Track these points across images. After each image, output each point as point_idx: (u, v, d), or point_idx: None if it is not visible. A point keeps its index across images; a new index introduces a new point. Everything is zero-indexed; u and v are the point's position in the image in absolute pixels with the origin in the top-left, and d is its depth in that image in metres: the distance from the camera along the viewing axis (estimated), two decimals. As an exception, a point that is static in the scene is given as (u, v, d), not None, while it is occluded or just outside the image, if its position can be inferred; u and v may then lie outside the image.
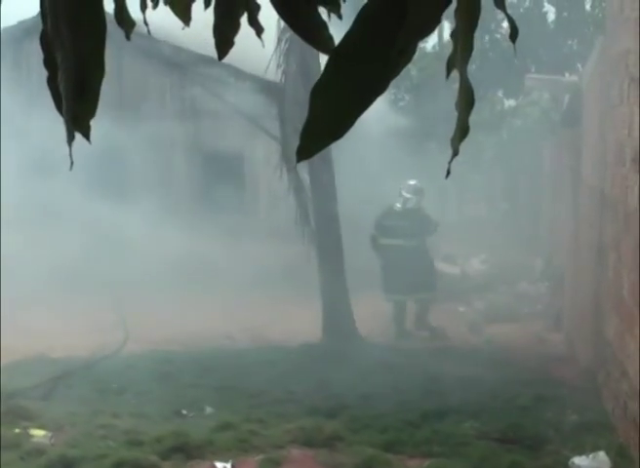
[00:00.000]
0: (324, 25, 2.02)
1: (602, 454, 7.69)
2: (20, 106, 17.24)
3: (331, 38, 2.00)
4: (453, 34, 1.79)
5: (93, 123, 1.95)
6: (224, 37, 2.20)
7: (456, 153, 1.83)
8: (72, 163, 1.97)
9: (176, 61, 17.73)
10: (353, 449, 8.47)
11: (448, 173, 1.90)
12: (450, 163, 1.85)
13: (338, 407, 10.07)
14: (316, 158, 11.70)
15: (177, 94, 18.46)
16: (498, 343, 13.61)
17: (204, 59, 16.55)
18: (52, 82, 1.90)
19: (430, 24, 1.67)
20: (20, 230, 17.29)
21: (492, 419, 9.29)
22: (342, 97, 1.67)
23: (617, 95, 8.73)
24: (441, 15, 1.68)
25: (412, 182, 14.94)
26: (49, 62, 1.89)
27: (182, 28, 2.40)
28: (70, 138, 1.88)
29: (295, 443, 8.64)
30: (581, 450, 7.94)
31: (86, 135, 1.91)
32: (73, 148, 1.99)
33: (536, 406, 9.73)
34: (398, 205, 14.73)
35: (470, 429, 9.05)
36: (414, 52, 1.70)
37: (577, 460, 7.72)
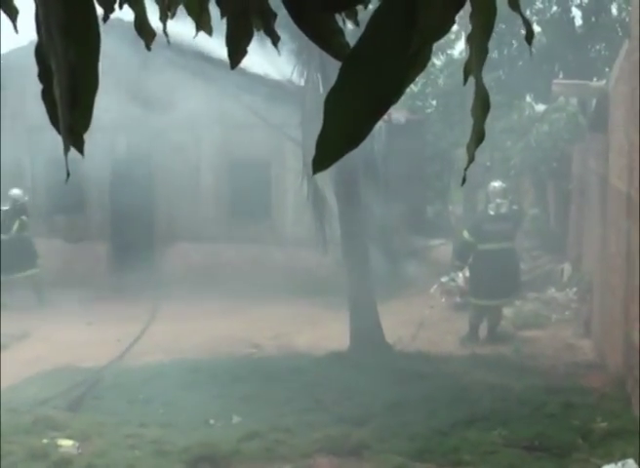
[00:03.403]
0: (340, 32, 2.00)
1: (631, 462, 7.62)
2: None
3: (347, 45, 1.98)
4: (468, 39, 1.76)
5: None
6: (238, 46, 2.19)
7: (471, 160, 1.80)
8: (69, 174, 1.93)
9: (202, 69, 17.76)
10: (381, 458, 8.45)
11: (464, 180, 1.87)
12: (466, 170, 1.82)
13: (365, 415, 10.03)
14: (340, 163, 11.68)
15: (203, 101, 18.51)
16: (526, 350, 13.52)
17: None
18: (47, 95, 1.88)
19: (443, 26, 1.64)
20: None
21: (520, 427, 9.24)
22: (357, 103, 1.64)
23: (643, 99, 8.67)
24: (454, 16, 1.65)
25: (496, 184, 14.76)
26: (43, 75, 1.87)
27: (194, 36, 2.40)
28: (67, 149, 1.85)
29: (322, 451, 8.63)
30: (610, 458, 7.88)
31: (80, 149, 1.87)
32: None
33: (564, 413, 9.66)
34: (491, 212, 14.57)
35: (499, 437, 9.00)
36: (429, 56, 1.67)
37: (606, 468, 7.66)
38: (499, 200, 14.42)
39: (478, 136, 1.78)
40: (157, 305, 16.80)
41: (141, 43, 2.35)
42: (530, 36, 1.87)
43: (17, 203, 18.05)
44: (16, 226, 17.94)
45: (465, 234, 14.53)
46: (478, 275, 14.38)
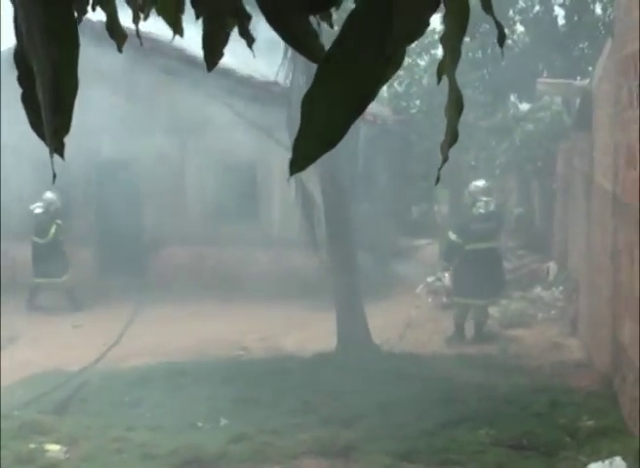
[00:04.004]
0: (315, 34, 1.99)
1: (619, 460, 7.62)
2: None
3: (322, 47, 1.97)
4: (442, 39, 1.76)
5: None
6: (213, 48, 2.19)
7: (445, 159, 1.79)
8: (55, 176, 1.90)
9: (186, 71, 17.71)
10: (369, 459, 8.43)
11: (437, 179, 1.87)
12: (439, 170, 1.81)
13: (353, 416, 10.02)
14: (326, 164, 11.67)
15: (188, 104, 18.46)
16: (512, 349, 13.54)
17: (216, 70, 16.51)
18: (27, 99, 1.86)
19: (418, 28, 1.64)
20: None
21: (507, 426, 9.23)
22: (333, 105, 1.63)
23: (626, 97, 8.68)
24: (429, 18, 1.65)
25: (480, 183, 14.71)
26: (23, 79, 1.86)
27: (171, 39, 2.39)
28: (52, 153, 1.83)
29: (310, 453, 8.60)
30: (598, 456, 7.87)
31: (60, 152, 1.85)
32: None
33: (551, 412, 9.66)
34: (481, 210, 14.48)
35: (486, 436, 8.99)
36: (403, 56, 1.67)
37: (593, 466, 7.66)
38: (484, 198, 14.42)
39: (452, 137, 1.78)
40: (137, 309, 16.79)
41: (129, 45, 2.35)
42: (502, 39, 1.87)
43: (50, 207, 18.05)
44: (53, 230, 17.98)
45: (452, 235, 14.51)
46: (463, 274, 14.40)
